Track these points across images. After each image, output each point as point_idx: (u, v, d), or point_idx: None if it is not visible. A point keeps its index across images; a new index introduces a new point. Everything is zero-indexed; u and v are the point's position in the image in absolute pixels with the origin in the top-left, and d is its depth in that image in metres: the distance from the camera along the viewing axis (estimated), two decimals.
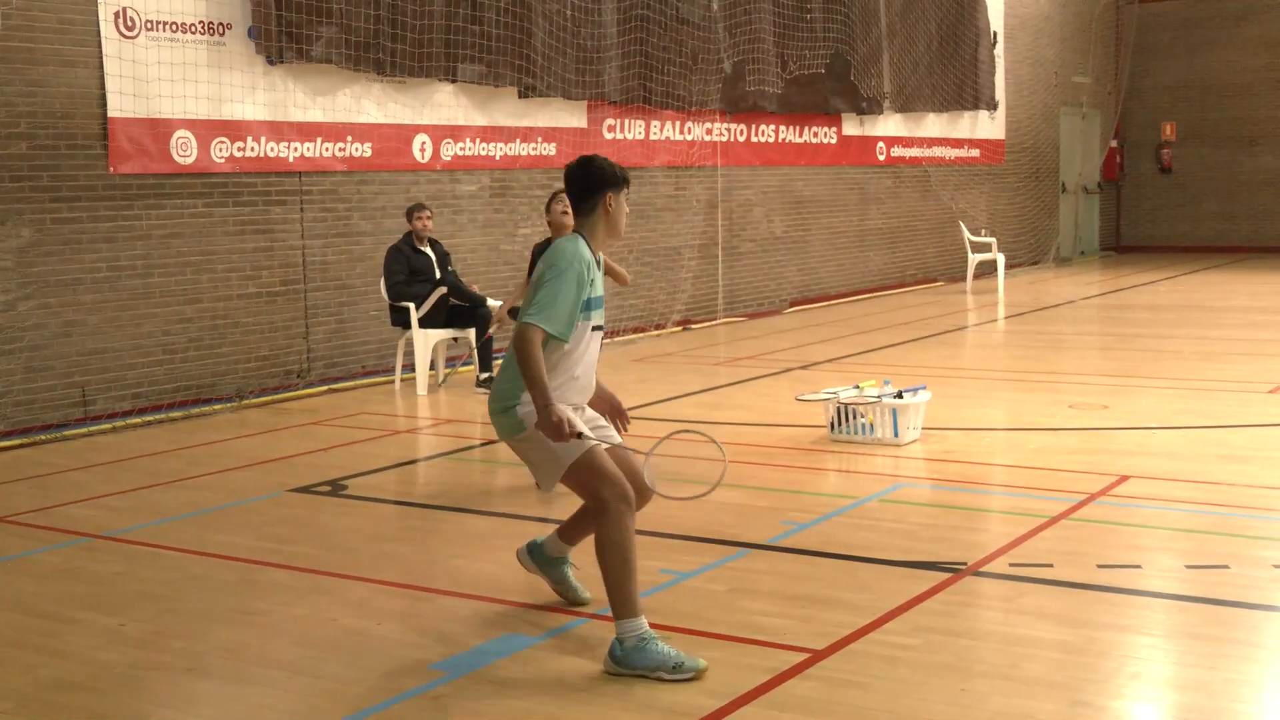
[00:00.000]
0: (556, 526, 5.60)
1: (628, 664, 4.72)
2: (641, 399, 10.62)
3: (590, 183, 5.28)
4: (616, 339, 14.33)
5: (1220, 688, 4.54)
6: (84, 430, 9.65)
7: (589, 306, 5.17)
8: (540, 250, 7.72)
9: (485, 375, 11.06)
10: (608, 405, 5.64)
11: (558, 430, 4.80)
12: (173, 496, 7.72)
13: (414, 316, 10.90)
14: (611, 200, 5.27)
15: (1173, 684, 4.65)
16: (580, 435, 4.92)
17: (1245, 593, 5.53)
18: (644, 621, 4.80)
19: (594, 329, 5.28)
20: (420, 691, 4.64)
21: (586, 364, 5.30)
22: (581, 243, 5.22)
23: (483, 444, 9.25)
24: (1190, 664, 4.80)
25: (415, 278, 11.00)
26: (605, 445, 5.21)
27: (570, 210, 5.62)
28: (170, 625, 5.44)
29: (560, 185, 5.87)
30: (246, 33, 10.63)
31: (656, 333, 14.88)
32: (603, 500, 4.96)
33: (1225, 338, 13.68)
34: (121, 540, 6.76)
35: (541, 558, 5.55)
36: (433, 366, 11.43)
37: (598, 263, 5.29)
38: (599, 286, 5.27)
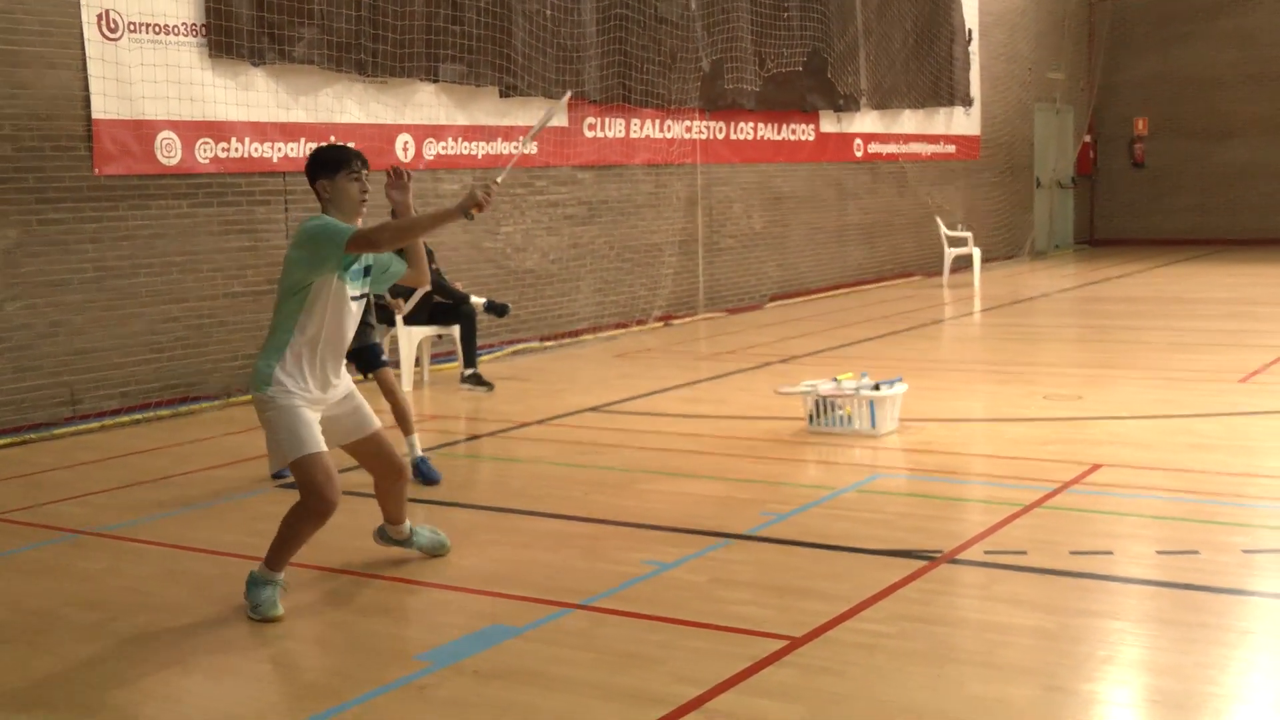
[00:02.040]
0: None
1: (247, 590, 5.37)
2: (624, 394, 10.63)
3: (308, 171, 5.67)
4: (598, 335, 14.36)
5: (1191, 671, 4.56)
6: (72, 429, 9.63)
7: (353, 276, 5.53)
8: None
9: (470, 371, 11.05)
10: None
11: (479, 202, 5.19)
12: (159, 493, 7.70)
13: (398, 314, 10.89)
14: (340, 184, 5.57)
15: (1145, 668, 4.67)
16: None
17: (1215, 578, 5.55)
18: (281, 578, 5.40)
19: (355, 297, 5.60)
20: (405, 682, 4.64)
21: (341, 333, 5.60)
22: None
23: (467, 439, 9.24)
24: (1162, 648, 4.82)
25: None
26: (356, 437, 5.70)
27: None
28: (157, 620, 5.43)
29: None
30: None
31: (638, 328, 14.88)
32: (303, 498, 5.38)
33: (1198, 329, 13.74)
34: (109, 536, 6.75)
35: (390, 539, 6.08)
36: (417, 363, 11.41)
37: None
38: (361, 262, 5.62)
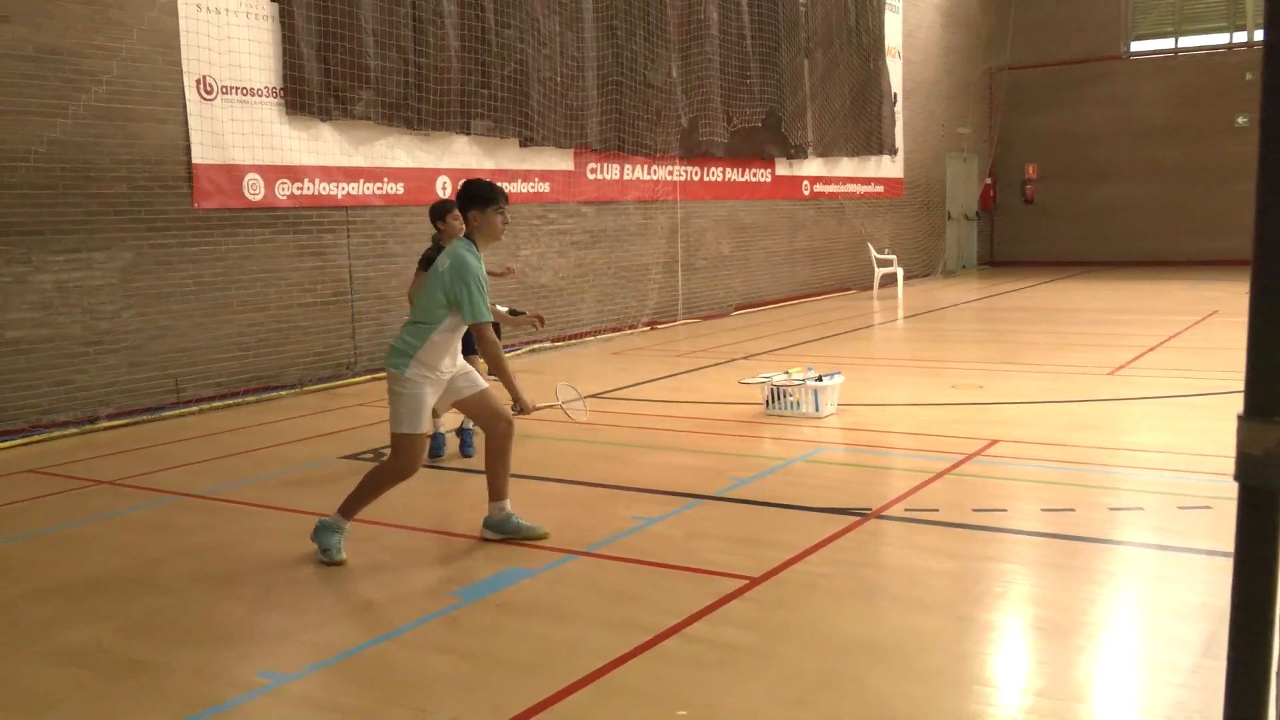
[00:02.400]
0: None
1: (316, 535, 5.36)
2: (618, 384, 10.64)
3: (460, 200, 5.67)
4: (598, 336, 14.37)
5: (1068, 604, 4.61)
6: (175, 412, 9.62)
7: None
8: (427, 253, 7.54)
9: None
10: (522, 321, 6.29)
11: (525, 410, 5.52)
12: (246, 463, 7.70)
13: None
14: (490, 216, 5.59)
15: (1031, 601, 4.71)
16: (525, 410, 5.55)
17: (1087, 530, 5.60)
18: (347, 526, 5.39)
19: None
20: (443, 613, 4.67)
21: (457, 337, 5.57)
22: (469, 246, 5.57)
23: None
24: (1046, 586, 4.86)
25: None
26: (468, 393, 5.61)
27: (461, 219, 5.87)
28: (245, 563, 5.45)
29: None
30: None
31: (630, 331, 14.89)
32: (395, 460, 5.42)
33: (1075, 332, 13.78)
34: (204, 498, 6.76)
35: (506, 526, 5.61)
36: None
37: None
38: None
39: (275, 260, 10.64)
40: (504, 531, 5.60)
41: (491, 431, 5.65)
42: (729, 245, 17.27)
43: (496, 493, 5.60)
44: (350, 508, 5.42)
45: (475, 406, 5.71)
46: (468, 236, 5.60)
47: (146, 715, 3.81)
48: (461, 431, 7.70)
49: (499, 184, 5.73)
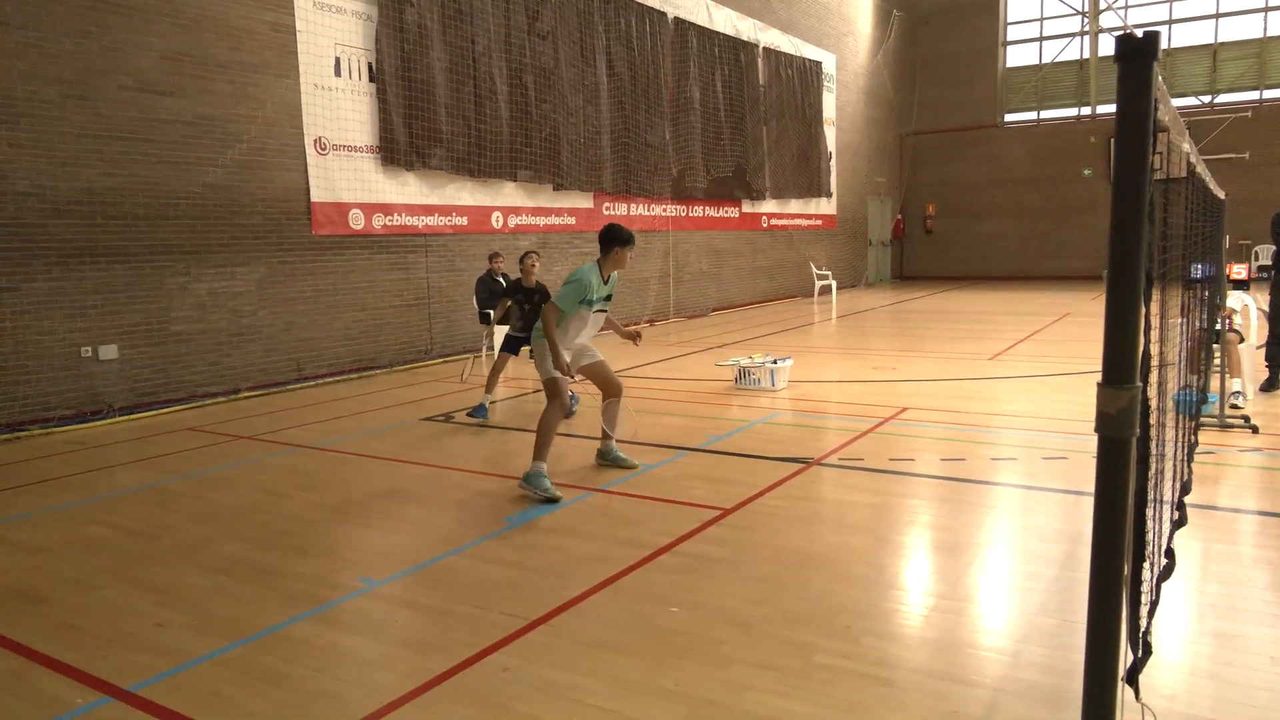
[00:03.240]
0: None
1: (527, 483, 5.13)
2: (626, 365, 10.59)
3: (602, 238, 5.56)
4: (607, 331, 14.28)
5: (959, 529, 4.56)
6: (297, 386, 9.57)
7: (590, 304, 5.48)
8: (513, 285, 7.98)
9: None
10: (624, 333, 5.96)
11: (563, 369, 5.36)
12: (351, 423, 7.66)
13: (492, 318, 10.83)
14: (618, 251, 5.51)
15: (932, 526, 4.65)
16: (565, 372, 5.36)
17: (974, 474, 5.55)
18: (544, 466, 5.17)
19: (595, 311, 5.57)
20: (494, 535, 4.62)
21: (586, 328, 5.58)
22: (594, 268, 5.50)
23: (535, 391, 9.23)
24: (943, 515, 4.81)
25: (492, 296, 10.92)
26: (586, 363, 5.64)
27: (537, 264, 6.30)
28: (348, 497, 5.41)
29: (531, 248, 6.04)
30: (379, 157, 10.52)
31: (634, 326, 14.76)
32: (550, 402, 5.33)
33: (963, 328, 13.72)
34: (320, 449, 6.72)
35: (603, 455, 5.84)
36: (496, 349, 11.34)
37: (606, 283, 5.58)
38: (597, 292, 5.52)
39: (371, 274, 10.58)
40: (608, 459, 5.80)
41: (605, 398, 5.79)
42: (707, 264, 17.18)
43: (606, 433, 5.76)
44: (539, 452, 5.21)
45: (594, 373, 5.76)
46: (598, 262, 5.59)
47: (274, 611, 3.77)
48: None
49: (629, 229, 5.60)
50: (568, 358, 5.48)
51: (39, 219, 7.66)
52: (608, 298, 5.63)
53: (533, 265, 7.96)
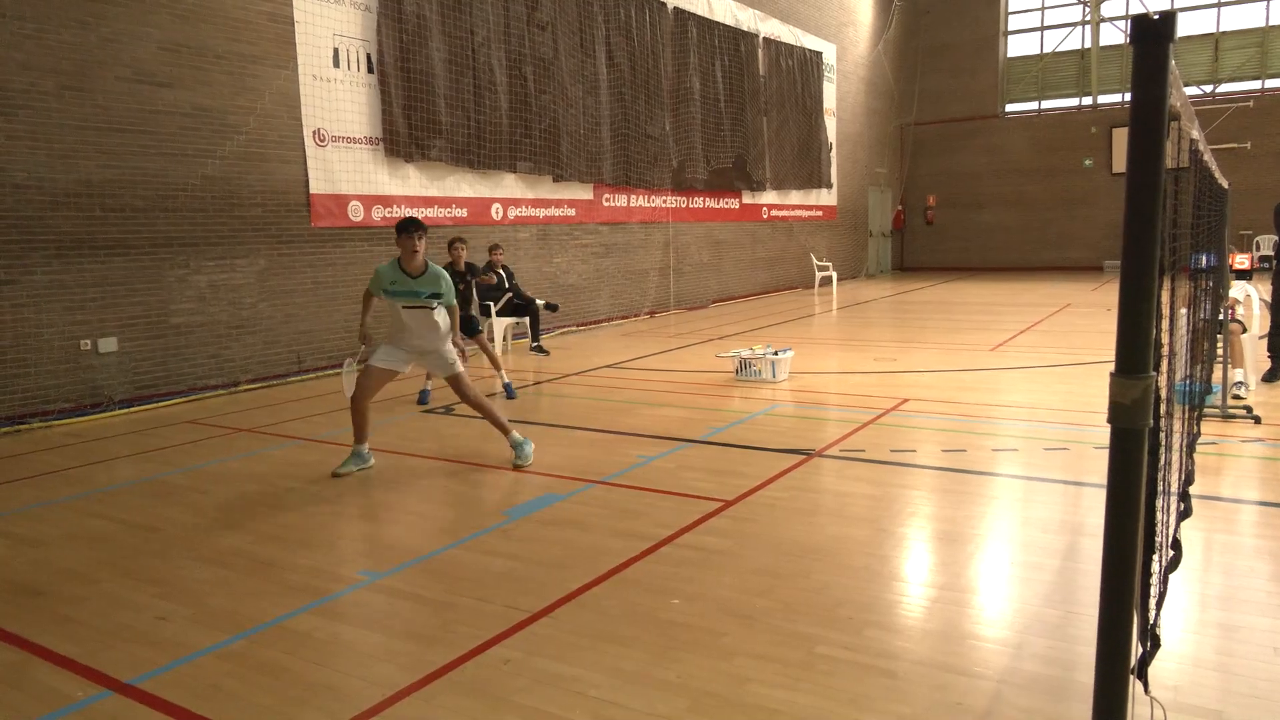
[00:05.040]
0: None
1: (517, 448, 5.67)
2: (627, 357, 10.56)
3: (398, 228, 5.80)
4: (610, 323, 14.28)
5: (961, 520, 4.53)
6: (297, 379, 9.54)
7: (394, 295, 5.68)
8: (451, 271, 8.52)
9: (535, 344, 10.96)
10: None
11: (361, 334, 5.76)
12: (349, 416, 7.61)
13: (493, 310, 10.80)
14: (399, 242, 5.74)
15: (933, 517, 4.61)
16: (361, 338, 5.71)
17: (975, 465, 5.53)
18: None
19: (404, 306, 5.70)
20: (495, 527, 4.60)
21: (404, 322, 5.73)
22: (392, 263, 5.78)
23: (534, 384, 9.20)
24: (945, 506, 4.79)
25: (491, 289, 10.88)
26: (384, 365, 5.77)
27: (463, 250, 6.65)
28: (348, 489, 5.38)
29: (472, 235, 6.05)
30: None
31: (635, 319, 14.78)
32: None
33: (964, 319, 13.69)
34: (319, 442, 6.70)
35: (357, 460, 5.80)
36: (504, 339, 11.32)
37: (411, 276, 5.77)
38: (394, 285, 5.74)
39: (371, 266, 10.52)
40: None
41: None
42: (707, 255, 17.14)
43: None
44: (499, 425, 5.72)
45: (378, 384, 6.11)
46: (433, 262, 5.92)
47: (274, 603, 3.75)
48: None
49: (441, 216, 5.89)
50: (405, 355, 5.81)
51: (37, 211, 7.62)
52: (426, 294, 5.69)
53: (460, 252, 8.75)
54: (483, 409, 5.74)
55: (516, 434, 5.82)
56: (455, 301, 5.86)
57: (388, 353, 5.75)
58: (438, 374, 5.87)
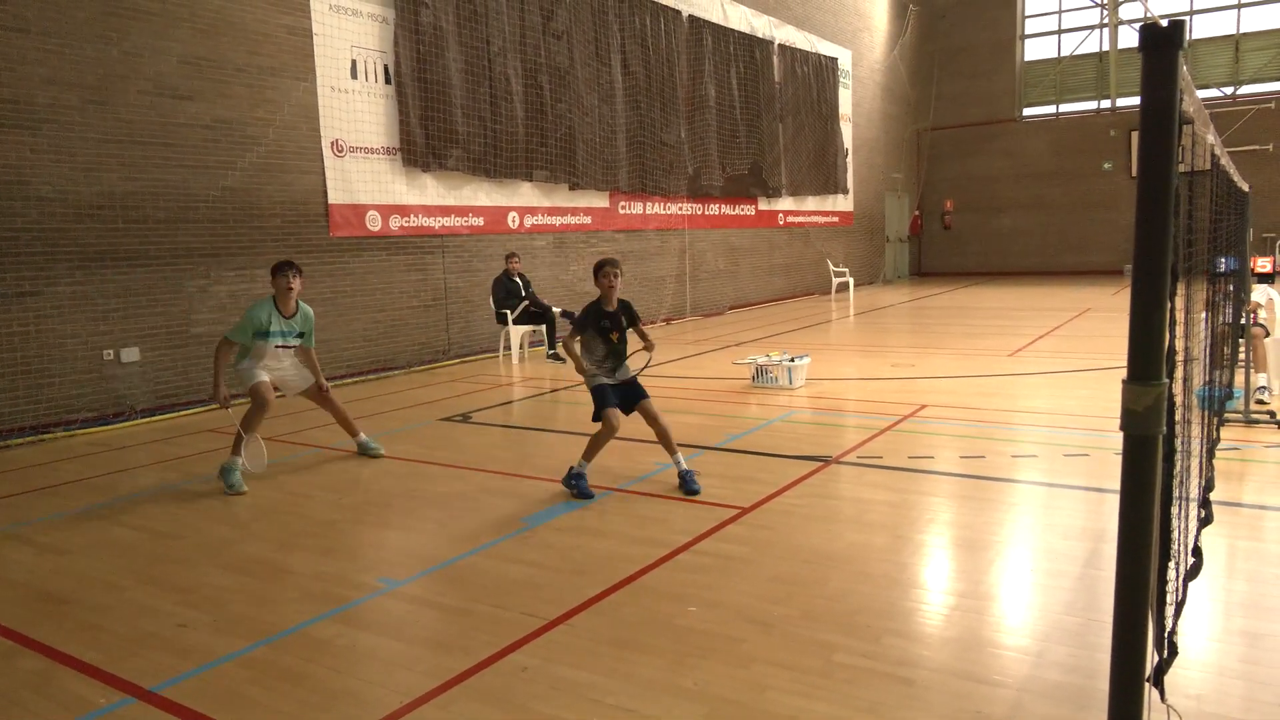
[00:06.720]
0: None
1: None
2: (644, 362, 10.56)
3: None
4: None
5: (981, 526, 4.52)
6: None
7: (267, 336, 5.87)
8: (591, 309, 6.05)
9: (551, 351, 11.01)
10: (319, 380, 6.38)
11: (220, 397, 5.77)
12: (369, 423, 7.68)
13: (510, 318, 10.86)
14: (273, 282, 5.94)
15: (952, 524, 4.62)
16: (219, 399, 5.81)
17: (994, 471, 5.50)
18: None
19: (275, 346, 5.91)
20: (512, 535, 4.62)
21: (267, 360, 5.93)
22: (263, 305, 5.92)
23: (551, 391, 9.24)
24: (963, 512, 4.77)
25: (509, 296, 10.95)
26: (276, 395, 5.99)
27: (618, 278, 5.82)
28: (368, 497, 5.43)
29: (605, 256, 6.07)
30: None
31: (650, 326, 14.80)
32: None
33: (982, 324, 13.62)
34: (339, 450, 6.75)
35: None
36: (521, 346, 11.38)
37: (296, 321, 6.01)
38: (278, 326, 5.91)
39: (389, 275, 10.62)
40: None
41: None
42: (723, 262, 17.14)
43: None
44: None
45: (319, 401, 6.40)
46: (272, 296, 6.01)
47: (295, 610, 3.79)
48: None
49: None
50: (265, 377, 5.94)
51: (61, 224, 7.74)
52: (296, 334, 5.97)
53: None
54: (338, 414, 6.33)
55: (364, 435, 6.41)
56: (313, 343, 6.20)
57: (257, 368, 5.96)
58: (300, 388, 6.18)
